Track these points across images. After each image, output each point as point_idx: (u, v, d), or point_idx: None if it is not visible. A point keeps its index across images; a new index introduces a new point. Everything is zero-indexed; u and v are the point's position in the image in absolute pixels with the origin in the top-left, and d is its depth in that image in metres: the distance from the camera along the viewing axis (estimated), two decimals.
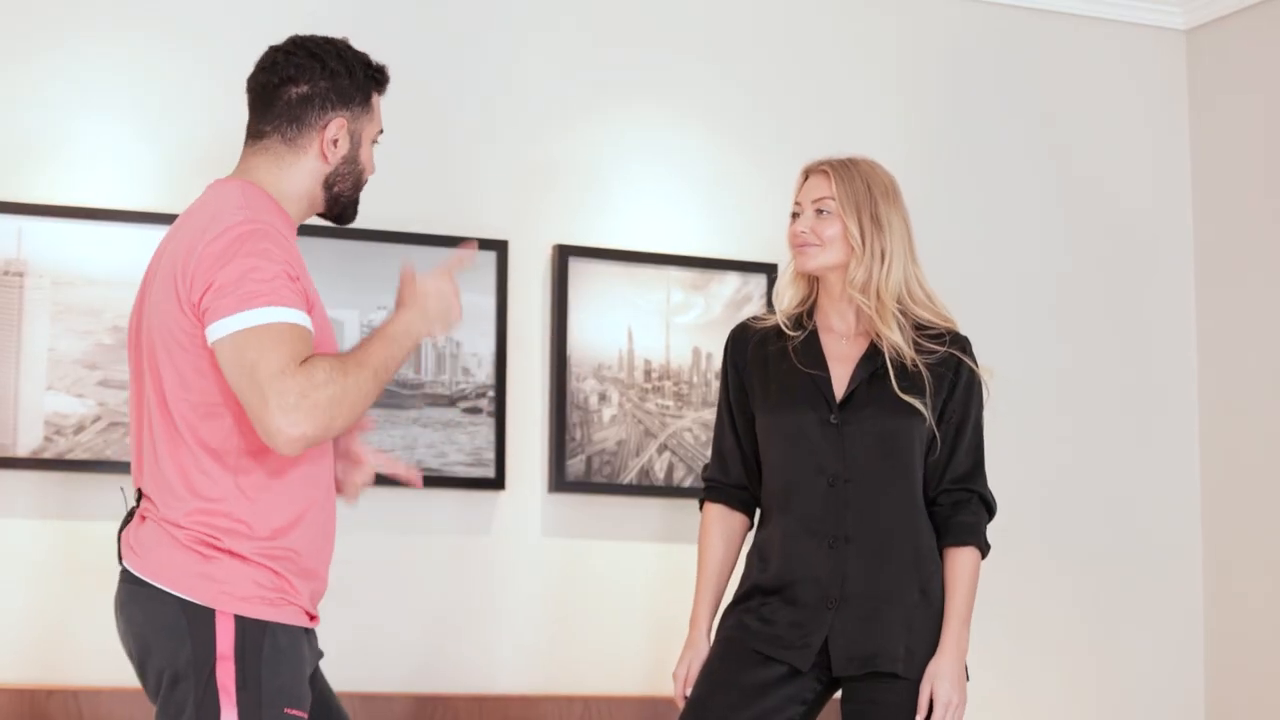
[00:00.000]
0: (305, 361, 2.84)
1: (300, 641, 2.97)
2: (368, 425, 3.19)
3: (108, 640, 4.08)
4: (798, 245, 3.57)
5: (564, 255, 4.52)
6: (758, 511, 3.70)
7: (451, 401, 4.40)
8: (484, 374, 4.43)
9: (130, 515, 3.03)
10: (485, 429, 4.42)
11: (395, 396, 4.33)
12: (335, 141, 3.07)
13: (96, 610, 4.12)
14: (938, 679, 3.45)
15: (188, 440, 2.92)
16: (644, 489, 4.53)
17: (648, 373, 4.57)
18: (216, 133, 4.31)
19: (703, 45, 4.79)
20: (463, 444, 4.39)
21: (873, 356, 3.56)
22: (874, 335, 3.57)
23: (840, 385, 3.54)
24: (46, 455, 4.08)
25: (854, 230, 3.52)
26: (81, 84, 4.24)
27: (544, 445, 4.49)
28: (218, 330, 2.85)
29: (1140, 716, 4.99)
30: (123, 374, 4.11)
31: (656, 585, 4.54)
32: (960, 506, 3.56)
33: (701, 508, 3.72)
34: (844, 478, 3.48)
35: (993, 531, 3.67)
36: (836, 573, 3.47)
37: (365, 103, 3.11)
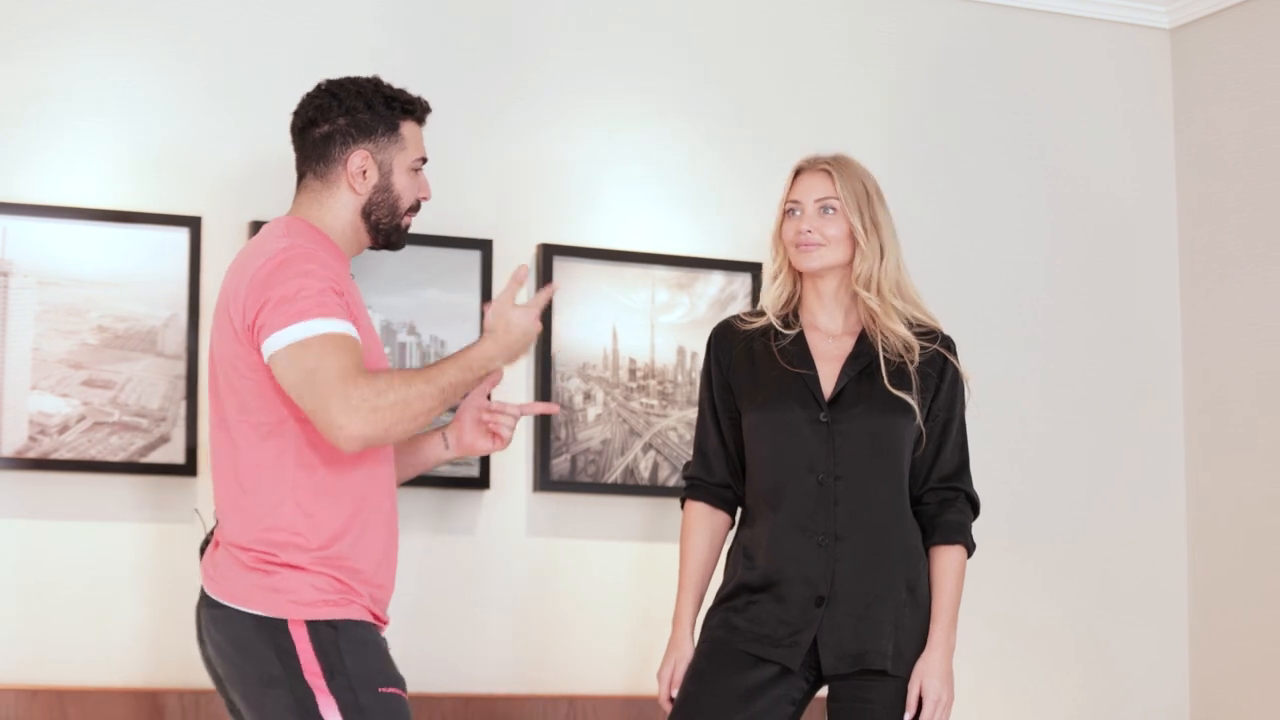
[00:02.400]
0: (369, 373, 3.04)
1: (374, 632, 3.15)
2: (498, 379, 3.42)
3: (88, 639, 4.10)
4: (802, 244, 3.57)
5: (549, 254, 4.52)
6: (739, 510, 3.70)
7: None
8: None
9: (208, 539, 3.23)
10: None
11: None
12: (363, 173, 3.25)
13: (80, 610, 4.13)
14: (927, 676, 3.47)
15: (248, 459, 3.12)
16: (629, 488, 4.53)
17: (632, 372, 4.57)
18: (203, 133, 4.31)
19: (688, 45, 4.79)
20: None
21: (860, 355, 3.57)
22: (868, 331, 3.58)
23: (828, 383, 3.56)
24: (31, 455, 4.07)
25: (859, 228, 3.55)
26: (68, 84, 4.23)
27: (529, 444, 4.49)
28: (274, 344, 3.04)
29: (1126, 712, 5.00)
30: (106, 374, 4.12)
31: (641, 584, 4.54)
32: (947, 505, 3.58)
33: (683, 505, 3.72)
34: (834, 475, 3.49)
35: (976, 530, 3.69)
36: (826, 571, 3.47)
37: (391, 133, 3.28)
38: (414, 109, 3.33)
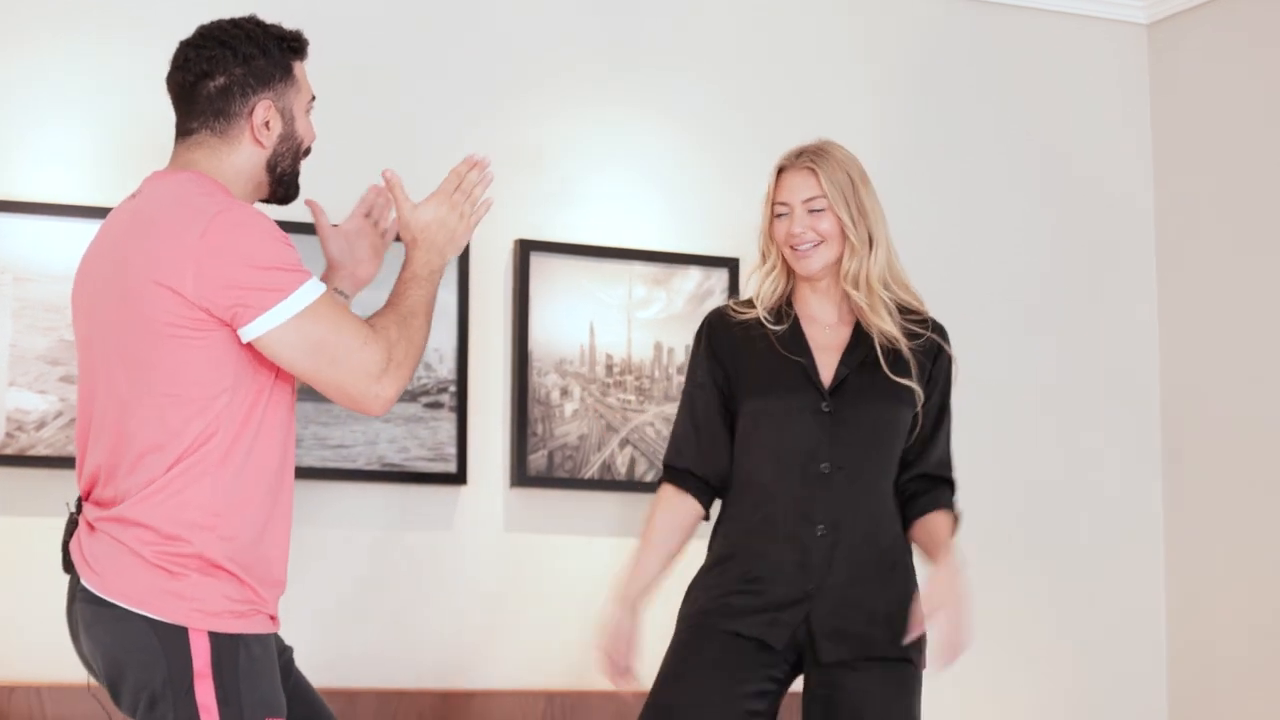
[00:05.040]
0: (373, 328, 2.93)
1: (271, 647, 2.96)
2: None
3: (66, 636, 4.10)
4: (797, 247, 3.54)
5: (525, 250, 4.53)
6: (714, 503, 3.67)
7: (413, 396, 4.41)
8: (445, 369, 4.43)
9: (74, 523, 2.97)
10: (447, 424, 4.42)
11: None
12: (267, 124, 3.03)
13: (59, 607, 4.12)
14: (932, 590, 3.41)
15: (158, 437, 2.86)
16: (606, 484, 4.54)
17: (609, 367, 4.58)
18: None
19: (668, 39, 4.79)
20: (424, 439, 4.40)
21: (857, 345, 3.55)
22: (861, 323, 3.57)
23: (827, 373, 3.53)
24: (8, 451, 4.08)
25: (848, 222, 3.50)
26: (46, 82, 4.23)
27: (506, 440, 4.50)
28: (269, 321, 2.84)
29: (1106, 713, 5.01)
30: None
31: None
32: (940, 488, 3.59)
33: (658, 487, 3.64)
34: (837, 465, 3.48)
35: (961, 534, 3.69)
36: (824, 558, 3.45)
37: (287, 76, 3.06)
38: (300, 47, 3.10)
